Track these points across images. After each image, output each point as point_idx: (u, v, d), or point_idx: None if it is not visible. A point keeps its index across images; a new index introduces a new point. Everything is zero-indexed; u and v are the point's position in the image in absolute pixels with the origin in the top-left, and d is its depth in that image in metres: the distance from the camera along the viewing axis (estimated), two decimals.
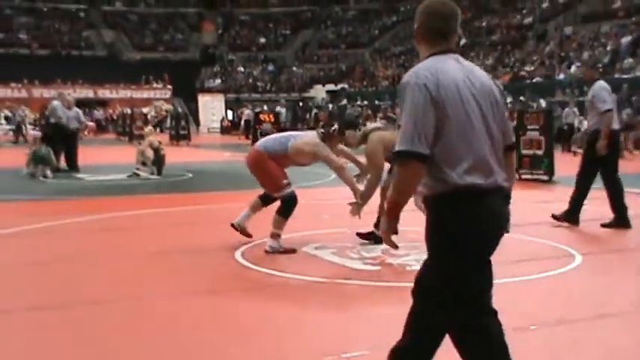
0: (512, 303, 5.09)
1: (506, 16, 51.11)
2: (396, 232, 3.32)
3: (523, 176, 14.79)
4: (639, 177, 14.39)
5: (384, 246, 7.54)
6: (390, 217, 3.21)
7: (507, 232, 3.28)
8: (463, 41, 49.98)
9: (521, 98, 29.38)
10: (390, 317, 4.01)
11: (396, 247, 3.43)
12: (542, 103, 14.13)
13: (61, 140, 17.53)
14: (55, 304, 5.69)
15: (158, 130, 42.00)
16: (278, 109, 28.44)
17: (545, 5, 49.20)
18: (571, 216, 9.15)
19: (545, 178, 14.63)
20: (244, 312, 5.48)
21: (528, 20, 48.24)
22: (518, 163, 14.83)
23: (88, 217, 10.20)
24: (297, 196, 7.58)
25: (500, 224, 3.21)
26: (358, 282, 6.27)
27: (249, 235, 7.85)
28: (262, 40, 65.34)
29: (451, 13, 3.29)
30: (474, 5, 56.68)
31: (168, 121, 38.72)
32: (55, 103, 18.37)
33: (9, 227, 9.12)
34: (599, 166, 9.04)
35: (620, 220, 8.85)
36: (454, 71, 3.15)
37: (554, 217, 9.28)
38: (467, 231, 3.09)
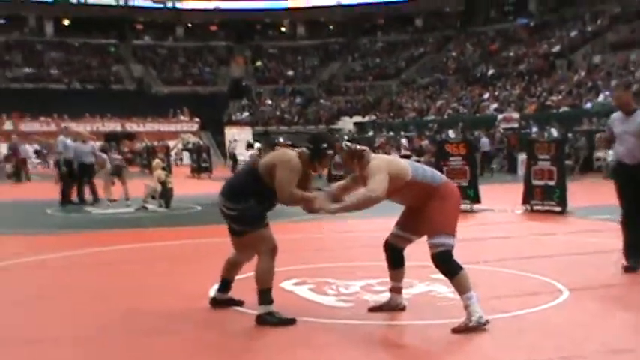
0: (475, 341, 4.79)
1: (533, 45, 50.80)
2: None
3: (535, 207, 14.42)
4: None
5: (363, 282, 7.31)
6: None
7: None
8: (491, 71, 49.85)
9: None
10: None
11: None
12: (554, 132, 13.77)
13: (67, 174, 17.44)
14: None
15: (180, 162, 42.35)
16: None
17: (573, 34, 48.89)
18: None
19: (557, 209, 14.21)
20: (188, 349, 5.26)
21: (556, 49, 47.90)
22: (530, 194, 14.49)
23: (81, 250, 10.10)
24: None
25: None
26: (323, 320, 6.00)
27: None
28: (290, 72, 65.57)
29: None
30: (500, 36, 56.55)
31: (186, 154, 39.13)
32: (60, 137, 18.32)
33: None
34: None
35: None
36: None
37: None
38: None
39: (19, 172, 29.05)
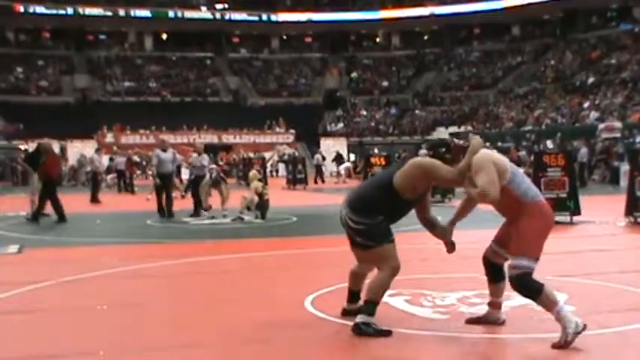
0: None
1: (637, 51, 49.35)
2: None
3: (639, 219, 13.95)
4: None
5: (459, 294, 7.19)
6: None
7: None
8: (591, 79, 48.64)
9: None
10: None
11: None
12: None
13: (160, 186, 17.54)
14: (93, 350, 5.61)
15: (275, 173, 42.72)
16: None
17: None
18: None
19: None
20: None
21: None
22: (634, 205, 14.04)
23: (177, 260, 10.22)
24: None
25: None
26: (418, 331, 5.91)
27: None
28: (385, 83, 65.49)
29: None
30: (602, 42, 55.13)
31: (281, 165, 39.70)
32: (155, 150, 18.20)
33: (95, 270, 9.24)
34: None
35: None
36: None
37: None
38: None
39: (131, 183, 29.85)
